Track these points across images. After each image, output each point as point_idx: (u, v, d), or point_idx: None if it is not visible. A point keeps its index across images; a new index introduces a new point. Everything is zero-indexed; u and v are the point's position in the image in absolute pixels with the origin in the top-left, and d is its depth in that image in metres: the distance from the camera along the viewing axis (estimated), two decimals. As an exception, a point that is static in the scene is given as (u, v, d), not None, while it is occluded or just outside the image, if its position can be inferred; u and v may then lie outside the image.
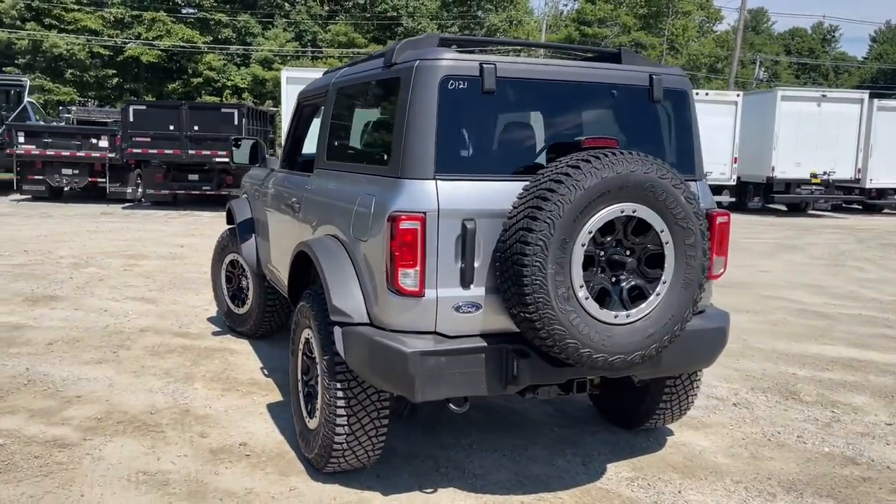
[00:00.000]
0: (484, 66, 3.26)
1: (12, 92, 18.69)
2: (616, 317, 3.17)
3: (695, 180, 3.73)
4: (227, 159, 15.51)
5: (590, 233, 3.07)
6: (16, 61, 37.78)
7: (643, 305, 3.22)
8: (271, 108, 22.77)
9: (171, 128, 15.58)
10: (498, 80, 3.29)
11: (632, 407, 4.37)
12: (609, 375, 3.48)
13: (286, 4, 44.39)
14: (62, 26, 38.45)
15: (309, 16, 43.29)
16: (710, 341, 3.72)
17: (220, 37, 42.05)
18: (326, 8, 45.83)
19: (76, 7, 38.74)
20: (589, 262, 3.14)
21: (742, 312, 7.59)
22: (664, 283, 3.25)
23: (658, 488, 3.75)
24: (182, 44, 39.61)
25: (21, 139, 16.23)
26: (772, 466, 4.04)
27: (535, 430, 4.42)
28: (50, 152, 16.29)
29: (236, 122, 15.67)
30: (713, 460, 4.10)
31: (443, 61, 3.25)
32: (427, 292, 3.20)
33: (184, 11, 43.14)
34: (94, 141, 16.38)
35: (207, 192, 16.41)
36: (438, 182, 3.20)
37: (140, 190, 16.81)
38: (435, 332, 3.24)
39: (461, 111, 3.28)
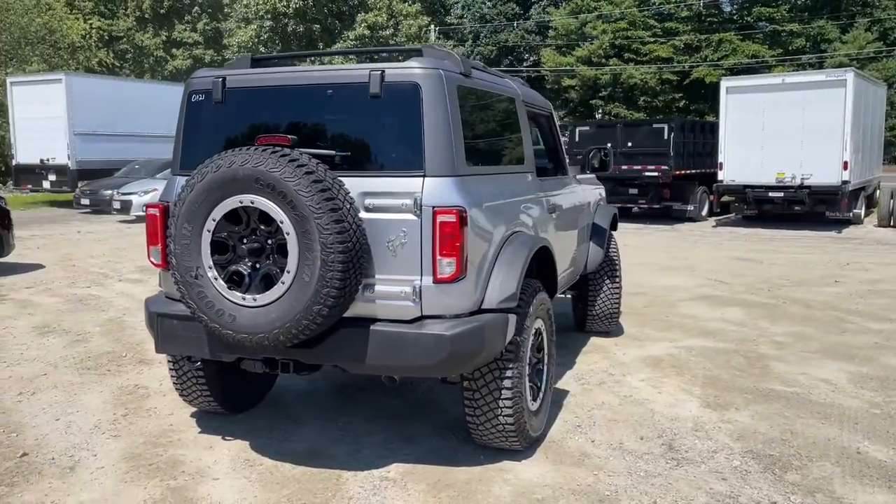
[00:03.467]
0: (214, 80, 3.90)
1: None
2: (244, 299, 3.47)
3: (423, 176, 3.52)
4: (656, 173, 15.99)
5: (214, 220, 3.47)
6: (599, 94, 43.21)
7: (269, 292, 3.42)
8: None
9: (609, 145, 16.65)
10: (228, 91, 3.89)
11: None
12: (248, 355, 3.69)
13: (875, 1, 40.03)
14: (638, 58, 42.38)
15: (897, 10, 38.16)
16: (419, 346, 3.51)
17: (790, 48, 40.47)
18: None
19: (652, 40, 42.20)
20: (223, 247, 3.52)
21: None
22: (289, 272, 3.37)
23: (381, 492, 3.66)
24: (746, 60, 39.53)
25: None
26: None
27: (420, 424, 4.50)
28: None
29: (665, 137, 15.92)
30: (486, 490, 3.65)
31: (194, 79, 4.01)
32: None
33: (759, 26, 42.80)
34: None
35: (643, 205, 17.07)
36: (178, 178, 4.00)
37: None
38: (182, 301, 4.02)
39: (200, 120, 3.98)
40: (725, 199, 16.96)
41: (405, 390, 5.11)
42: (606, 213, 6.36)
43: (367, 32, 33.04)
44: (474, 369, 3.77)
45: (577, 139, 17.32)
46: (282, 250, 3.42)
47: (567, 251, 5.29)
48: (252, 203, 3.40)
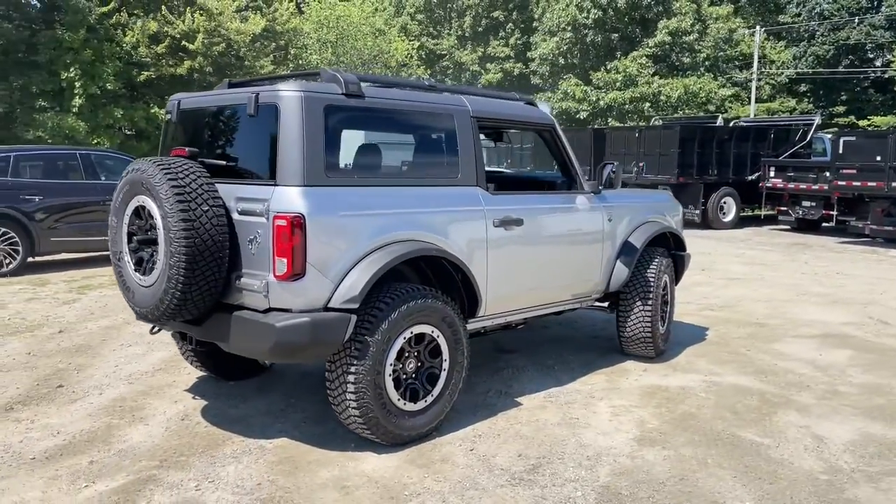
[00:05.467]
0: (174, 102, 4.76)
1: (801, 130, 20.08)
2: (140, 280, 4.28)
3: (274, 185, 3.99)
4: (934, 193, 13.66)
5: (128, 215, 4.33)
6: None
7: (151, 276, 4.19)
8: None
9: (878, 158, 14.49)
10: (180, 112, 4.73)
11: None
12: (153, 324, 4.41)
13: None
14: None
15: None
16: (256, 333, 4.00)
17: None
18: None
19: None
20: (132, 238, 4.35)
21: None
22: (160, 261, 4.10)
23: (240, 457, 4.21)
24: None
25: (771, 173, 17.85)
26: (311, 493, 3.71)
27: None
28: (791, 185, 17.36)
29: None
30: (314, 472, 4.00)
31: (169, 101, 4.91)
32: None
33: None
34: (828, 175, 16.52)
35: (918, 231, 14.47)
36: None
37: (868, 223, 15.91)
38: None
39: (167, 135, 4.87)
40: None
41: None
42: (646, 232, 5.99)
43: (668, 39, 32.13)
44: (312, 359, 4.15)
45: (840, 150, 15.29)
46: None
47: (535, 266, 5.18)
48: (143, 203, 4.20)
